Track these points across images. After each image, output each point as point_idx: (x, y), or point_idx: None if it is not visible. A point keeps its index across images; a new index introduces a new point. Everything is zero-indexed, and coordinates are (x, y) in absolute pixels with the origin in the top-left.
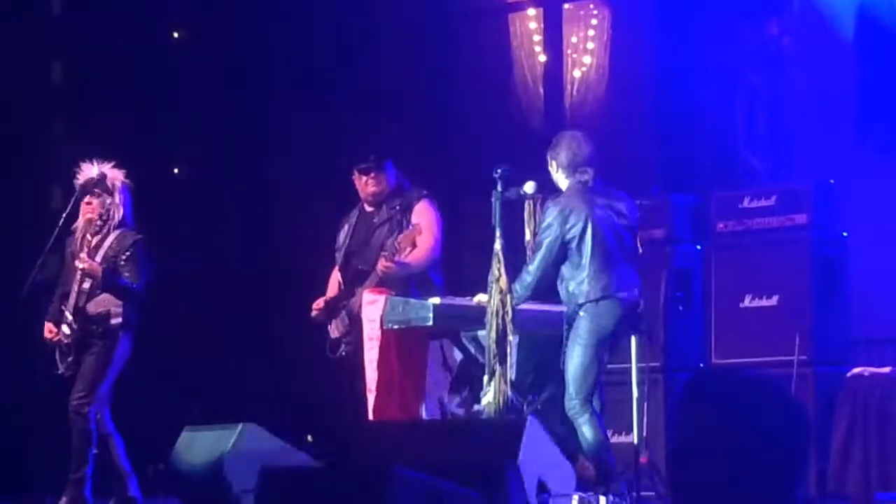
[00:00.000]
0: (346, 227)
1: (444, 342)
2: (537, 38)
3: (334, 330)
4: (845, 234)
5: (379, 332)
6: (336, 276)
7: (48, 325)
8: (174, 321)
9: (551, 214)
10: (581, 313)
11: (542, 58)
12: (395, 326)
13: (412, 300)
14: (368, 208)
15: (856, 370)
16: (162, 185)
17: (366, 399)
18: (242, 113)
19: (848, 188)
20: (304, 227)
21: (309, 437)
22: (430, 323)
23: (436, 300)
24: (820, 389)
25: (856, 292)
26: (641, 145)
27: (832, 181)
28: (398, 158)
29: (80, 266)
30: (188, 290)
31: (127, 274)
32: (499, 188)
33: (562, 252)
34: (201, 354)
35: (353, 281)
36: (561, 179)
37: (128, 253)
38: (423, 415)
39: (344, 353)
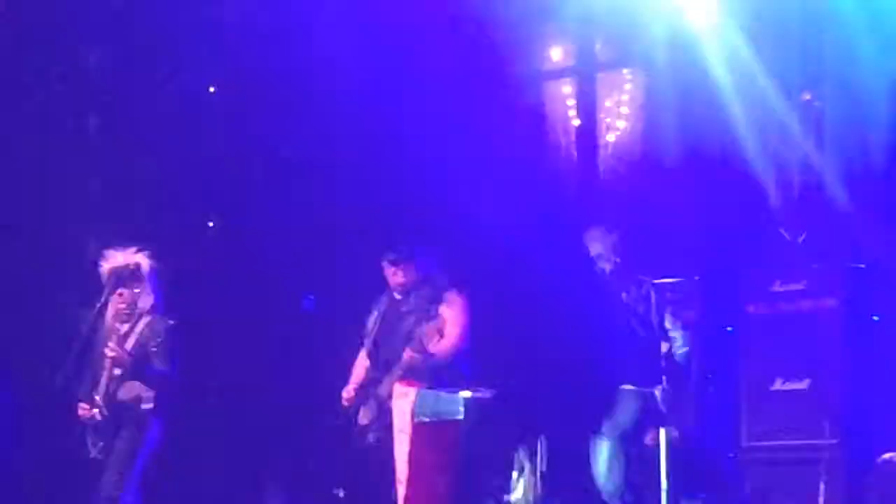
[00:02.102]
0: (374, 313)
1: None
2: (571, 102)
3: (363, 417)
4: (876, 318)
5: (410, 426)
6: (363, 362)
7: (82, 404)
8: (200, 406)
9: None
10: None
11: (576, 122)
12: (426, 419)
13: (443, 394)
14: (397, 295)
15: (886, 455)
16: (196, 238)
17: (395, 489)
18: (276, 175)
19: (878, 263)
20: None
21: (340, 493)
22: (461, 416)
23: (466, 394)
24: (850, 473)
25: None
26: (674, 210)
27: (862, 265)
28: (427, 227)
29: (110, 354)
30: (213, 376)
31: (158, 361)
32: None
33: None
34: (228, 439)
35: (381, 368)
36: None
37: (159, 339)
38: None
39: (372, 441)
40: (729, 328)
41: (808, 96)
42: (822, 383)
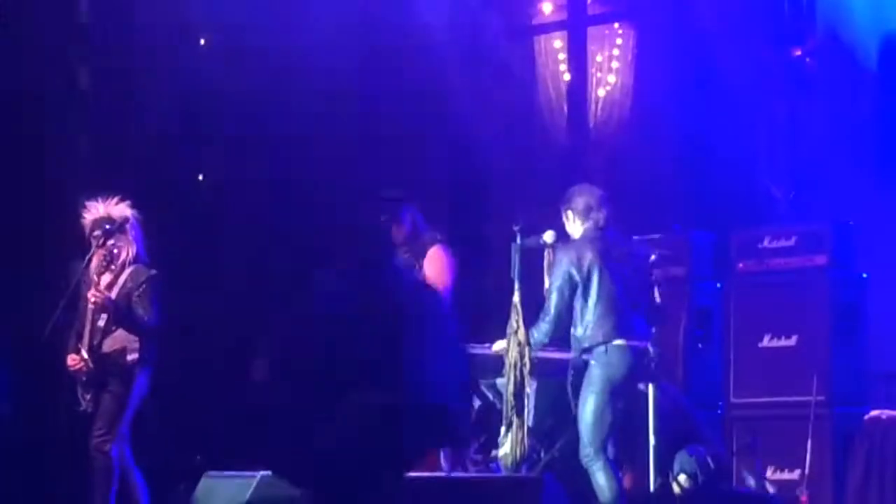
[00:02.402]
0: None
1: None
2: (562, 56)
3: None
4: (865, 275)
5: None
6: None
7: (71, 356)
8: (185, 357)
9: (561, 259)
10: (592, 361)
11: (567, 76)
12: None
13: None
14: None
15: (873, 413)
16: (185, 194)
17: None
18: (264, 132)
19: (868, 220)
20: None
21: None
22: None
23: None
24: (837, 430)
25: (878, 326)
26: (663, 165)
27: (851, 222)
28: (422, 177)
29: (92, 299)
30: (199, 324)
31: (140, 310)
32: (518, 241)
33: (573, 296)
34: (206, 394)
35: None
36: (576, 228)
37: (142, 288)
38: (442, 461)
39: None
40: (718, 284)
41: (798, 52)
42: (811, 340)
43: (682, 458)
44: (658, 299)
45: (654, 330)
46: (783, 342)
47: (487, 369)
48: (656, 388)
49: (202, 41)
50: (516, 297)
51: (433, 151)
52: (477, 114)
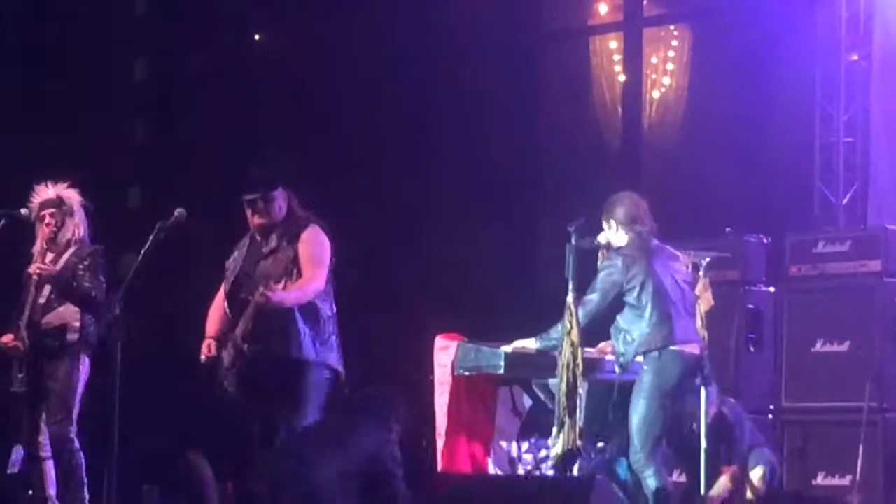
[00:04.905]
0: (236, 253)
1: (514, 388)
2: (617, 57)
3: (226, 361)
4: None
5: (450, 378)
6: (218, 310)
7: (6, 335)
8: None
9: (613, 263)
10: (644, 367)
11: (622, 77)
12: (467, 373)
13: (484, 348)
14: (258, 237)
15: None
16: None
17: (435, 443)
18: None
19: None
20: None
21: None
22: (502, 371)
23: (507, 348)
24: (889, 436)
25: None
26: (717, 168)
27: None
28: (477, 177)
29: (35, 271)
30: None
31: (87, 283)
32: (572, 241)
33: (617, 301)
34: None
35: (239, 312)
36: (620, 237)
37: (86, 262)
38: (491, 460)
39: (228, 387)
40: (771, 288)
41: (854, 57)
42: (863, 346)
43: (756, 454)
44: (711, 302)
45: (705, 335)
46: (836, 347)
47: (539, 369)
48: (708, 393)
49: (257, 37)
50: (570, 298)
51: (488, 151)
52: (532, 114)
